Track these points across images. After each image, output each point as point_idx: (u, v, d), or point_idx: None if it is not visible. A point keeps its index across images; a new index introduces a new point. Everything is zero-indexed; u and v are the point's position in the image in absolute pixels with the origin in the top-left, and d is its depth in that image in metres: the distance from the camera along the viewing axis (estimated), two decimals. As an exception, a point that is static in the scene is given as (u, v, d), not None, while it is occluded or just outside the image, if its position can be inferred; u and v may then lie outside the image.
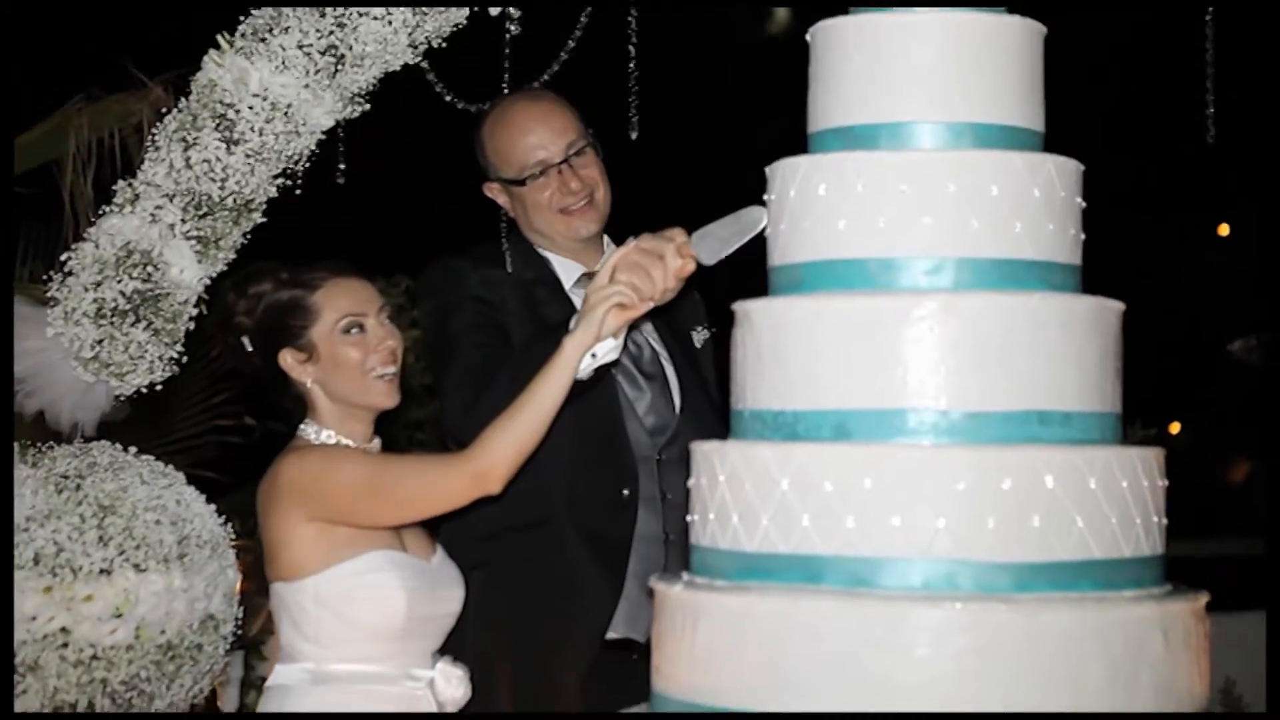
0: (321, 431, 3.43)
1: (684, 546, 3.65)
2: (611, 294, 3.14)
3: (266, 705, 3.40)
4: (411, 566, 3.37)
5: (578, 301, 3.86)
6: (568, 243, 3.88)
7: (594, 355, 3.19)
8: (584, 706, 3.61)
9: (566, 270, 3.89)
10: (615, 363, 3.57)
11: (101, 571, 3.69)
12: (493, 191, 3.91)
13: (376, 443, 3.50)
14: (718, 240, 3.11)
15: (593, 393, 3.54)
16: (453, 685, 3.39)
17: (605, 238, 3.96)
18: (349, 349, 3.41)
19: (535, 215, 3.85)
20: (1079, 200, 2.96)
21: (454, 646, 3.48)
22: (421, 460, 3.32)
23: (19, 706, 3.70)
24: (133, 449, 3.93)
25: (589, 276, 3.88)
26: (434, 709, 3.38)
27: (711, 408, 3.87)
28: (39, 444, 3.91)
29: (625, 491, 3.71)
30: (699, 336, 3.96)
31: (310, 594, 3.33)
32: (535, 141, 3.84)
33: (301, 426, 3.45)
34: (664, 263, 3.13)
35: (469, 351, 3.70)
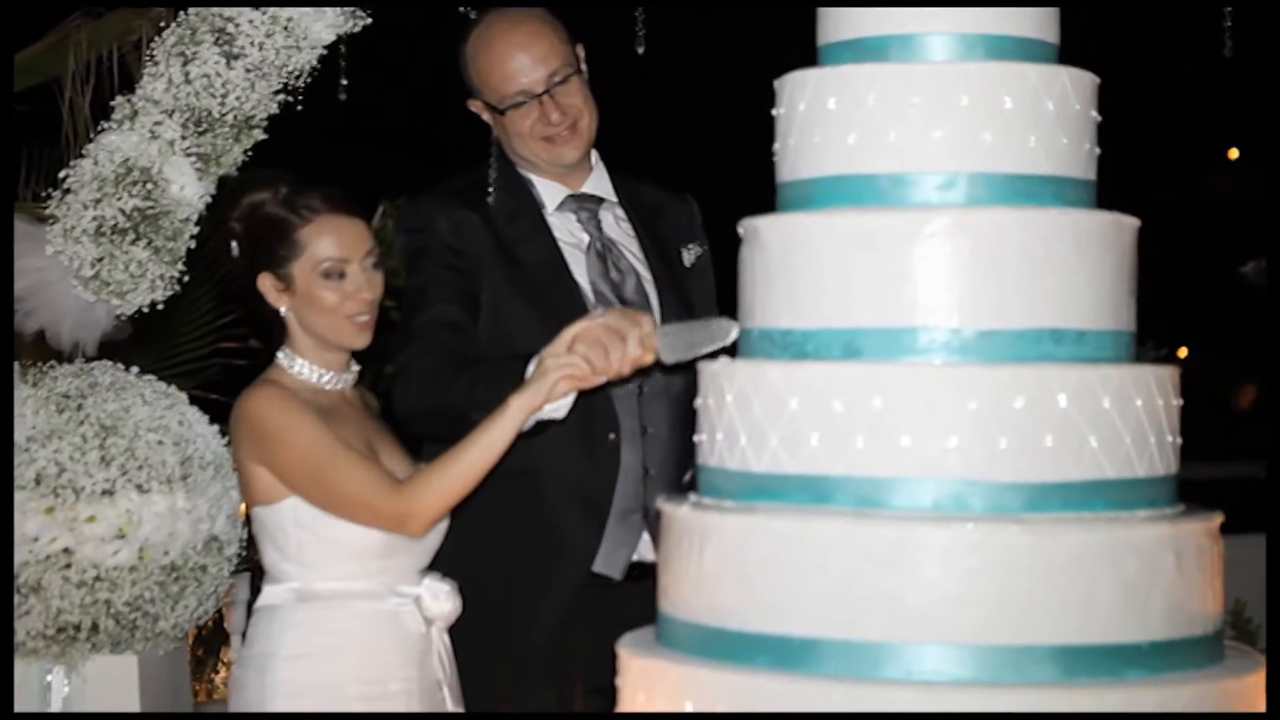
0: (296, 360, 3.40)
1: (664, 480, 3.63)
2: (565, 365, 3.15)
3: (256, 626, 3.39)
4: None
5: (555, 225, 3.76)
6: (551, 167, 3.81)
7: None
8: (565, 646, 3.58)
9: (549, 193, 3.78)
10: (596, 293, 3.60)
11: (104, 492, 3.68)
12: (477, 107, 3.80)
13: (354, 370, 3.47)
14: (684, 342, 3.10)
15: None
16: (440, 601, 3.39)
17: (594, 154, 3.85)
18: (325, 292, 3.36)
19: (517, 141, 3.75)
20: (1094, 114, 2.90)
21: None
22: (369, 471, 3.28)
23: (21, 628, 3.70)
24: (134, 369, 3.91)
25: (574, 199, 3.81)
26: (421, 625, 3.38)
27: None
28: (40, 363, 3.89)
29: (611, 436, 3.66)
30: (689, 255, 3.86)
31: (289, 516, 3.32)
32: (516, 69, 3.69)
33: (279, 354, 3.43)
34: (624, 346, 3.13)
35: (428, 333, 3.59)
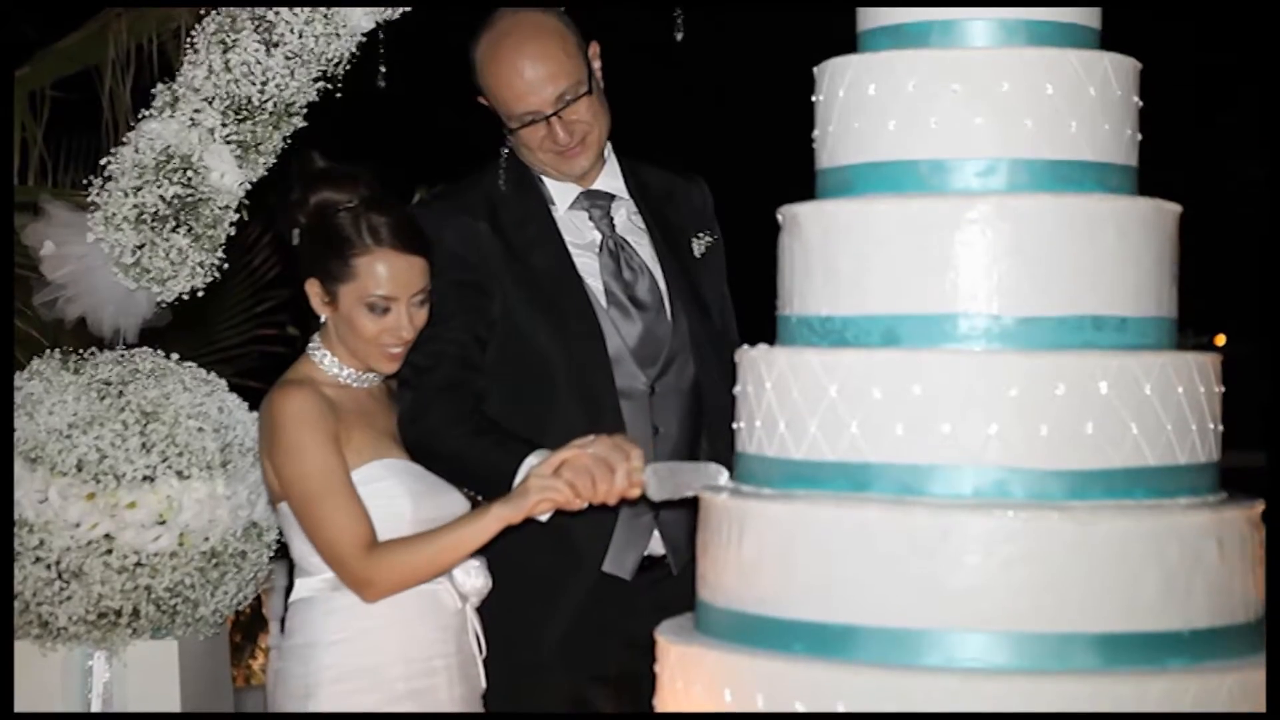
0: (326, 356, 3.42)
1: None
2: (549, 489, 3.19)
3: (293, 618, 3.41)
4: (411, 471, 3.40)
5: (565, 225, 3.70)
6: (561, 177, 3.72)
7: None
8: (580, 641, 3.56)
9: (560, 192, 3.71)
10: (608, 294, 3.59)
11: (145, 478, 3.70)
12: (486, 103, 3.70)
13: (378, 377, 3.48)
14: (671, 482, 3.14)
15: (580, 338, 3.55)
16: (472, 577, 3.41)
17: (608, 147, 3.75)
18: (366, 321, 3.37)
19: (525, 152, 3.68)
20: (1136, 99, 2.89)
21: None
22: (354, 524, 3.29)
23: (63, 614, 3.72)
24: (174, 356, 3.93)
25: (586, 196, 3.76)
26: (457, 602, 3.41)
27: (707, 329, 3.73)
28: (81, 350, 3.91)
29: None
30: (699, 245, 3.80)
31: None
32: (524, 88, 3.58)
33: (311, 346, 3.44)
34: (612, 478, 3.18)
35: (440, 364, 3.54)
